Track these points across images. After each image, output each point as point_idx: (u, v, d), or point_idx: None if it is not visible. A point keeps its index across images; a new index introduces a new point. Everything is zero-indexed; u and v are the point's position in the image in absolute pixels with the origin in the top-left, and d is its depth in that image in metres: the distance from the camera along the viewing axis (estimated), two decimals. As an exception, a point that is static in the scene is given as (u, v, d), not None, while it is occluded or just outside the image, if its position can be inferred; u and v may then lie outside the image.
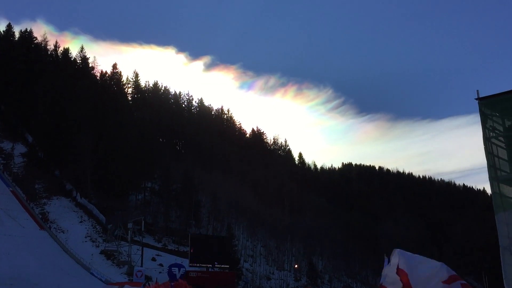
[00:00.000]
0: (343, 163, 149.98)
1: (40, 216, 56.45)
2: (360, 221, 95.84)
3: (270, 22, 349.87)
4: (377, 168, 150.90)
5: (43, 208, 58.96)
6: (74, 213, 58.80)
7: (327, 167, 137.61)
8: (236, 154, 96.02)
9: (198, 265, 48.82)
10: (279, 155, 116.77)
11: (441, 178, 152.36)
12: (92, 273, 46.00)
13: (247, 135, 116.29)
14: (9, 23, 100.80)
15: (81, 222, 57.12)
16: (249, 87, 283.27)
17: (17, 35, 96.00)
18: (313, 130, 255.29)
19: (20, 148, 72.35)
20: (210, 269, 51.10)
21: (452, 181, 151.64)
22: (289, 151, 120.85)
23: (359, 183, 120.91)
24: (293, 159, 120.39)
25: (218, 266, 50.72)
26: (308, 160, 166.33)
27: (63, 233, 54.12)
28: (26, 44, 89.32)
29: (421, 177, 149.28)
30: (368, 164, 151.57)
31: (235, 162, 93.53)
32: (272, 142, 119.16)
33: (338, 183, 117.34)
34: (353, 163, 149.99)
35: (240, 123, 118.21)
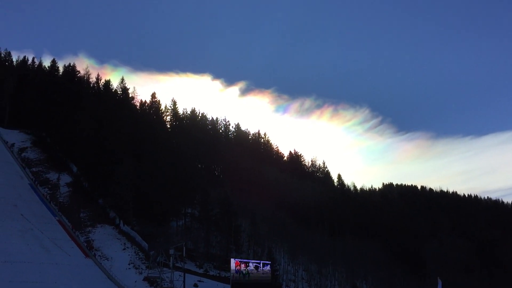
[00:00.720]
0: (383, 183, 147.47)
1: (85, 244, 57.82)
2: (403, 242, 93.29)
3: (302, 45, 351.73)
4: (419, 187, 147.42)
5: (88, 236, 60.39)
6: (117, 241, 59.88)
7: (367, 188, 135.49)
8: (274, 177, 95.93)
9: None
10: (317, 177, 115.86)
11: (487, 196, 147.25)
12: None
13: (285, 158, 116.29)
14: (54, 59, 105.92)
15: (124, 249, 58.06)
16: (285, 110, 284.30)
17: (61, 69, 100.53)
18: (351, 151, 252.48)
19: (65, 178, 74.79)
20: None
21: (500, 199, 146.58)
22: (328, 173, 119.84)
23: (401, 204, 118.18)
24: (332, 180, 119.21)
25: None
26: (347, 181, 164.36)
27: (108, 260, 55.12)
28: (69, 78, 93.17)
29: (466, 195, 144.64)
30: (409, 183, 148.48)
31: (273, 185, 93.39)
32: (310, 164, 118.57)
33: (379, 204, 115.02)
34: (394, 183, 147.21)
35: (277, 146, 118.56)
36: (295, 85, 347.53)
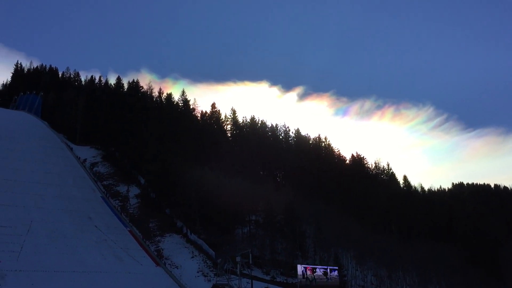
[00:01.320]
0: (453, 183, 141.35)
1: (156, 253, 59.74)
2: (477, 244, 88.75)
3: (360, 46, 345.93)
4: (492, 186, 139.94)
5: (158, 245, 62.37)
6: (185, 249, 61.39)
7: (436, 189, 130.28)
8: (337, 181, 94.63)
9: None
10: (382, 180, 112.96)
11: None
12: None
13: (347, 161, 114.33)
14: (118, 76, 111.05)
15: (192, 257, 59.41)
16: (344, 113, 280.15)
17: (125, 86, 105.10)
18: (415, 151, 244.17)
19: (134, 190, 77.82)
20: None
21: None
22: (393, 175, 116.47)
23: (474, 204, 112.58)
24: (397, 182, 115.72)
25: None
26: (414, 182, 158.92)
27: (177, 268, 56.62)
28: (134, 93, 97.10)
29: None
30: (481, 182, 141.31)
31: (337, 189, 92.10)
32: (373, 166, 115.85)
33: (449, 205, 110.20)
34: (464, 183, 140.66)
35: (338, 150, 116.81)
36: (354, 86, 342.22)
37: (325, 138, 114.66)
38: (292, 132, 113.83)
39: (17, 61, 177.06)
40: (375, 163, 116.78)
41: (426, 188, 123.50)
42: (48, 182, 72.93)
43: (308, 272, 50.82)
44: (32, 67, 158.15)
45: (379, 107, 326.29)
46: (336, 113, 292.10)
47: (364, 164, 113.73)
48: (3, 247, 49.49)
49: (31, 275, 45.61)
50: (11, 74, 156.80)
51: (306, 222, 73.46)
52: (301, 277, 49.96)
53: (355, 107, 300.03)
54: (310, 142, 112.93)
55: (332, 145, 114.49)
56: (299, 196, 79.43)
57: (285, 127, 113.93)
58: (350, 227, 76.06)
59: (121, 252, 56.99)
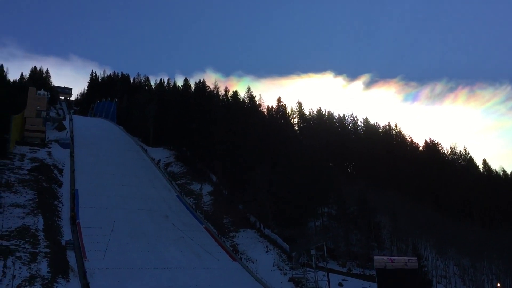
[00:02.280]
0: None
1: (231, 249, 61.05)
2: None
3: (425, 28, 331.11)
4: None
5: (233, 240, 63.68)
6: (260, 244, 62.18)
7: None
8: (411, 169, 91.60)
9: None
10: (459, 165, 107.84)
11: None
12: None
13: (420, 148, 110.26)
14: (185, 78, 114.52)
15: (267, 251, 60.04)
16: (414, 98, 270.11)
17: (192, 87, 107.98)
18: (494, 133, 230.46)
19: (207, 188, 79.92)
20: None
21: None
22: (471, 159, 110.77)
23: None
24: (476, 167, 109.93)
25: (409, 288, 48.35)
26: (495, 166, 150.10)
27: (253, 263, 57.50)
28: (201, 93, 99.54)
29: None
30: None
31: (411, 177, 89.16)
32: (449, 152, 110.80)
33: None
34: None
35: (410, 137, 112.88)
36: (423, 70, 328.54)
37: (396, 126, 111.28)
38: (361, 122, 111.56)
39: (92, 70, 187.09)
40: (450, 148, 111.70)
41: (508, 172, 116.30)
42: (127, 183, 76.70)
43: (386, 263, 49.61)
44: (105, 75, 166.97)
45: (451, 90, 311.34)
46: (406, 99, 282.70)
47: (439, 150, 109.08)
48: (91, 247, 52.75)
49: (116, 273, 48.28)
50: (87, 84, 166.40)
51: (381, 212, 71.77)
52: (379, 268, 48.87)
53: (425, 91, 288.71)
54: (380, 130, 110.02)
55: (403, 133, 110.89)
56: (372, 186, 77.75)
57: (353, 116, 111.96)
58: (427, 215, 73.36)
59: (198, 248, 58.80)
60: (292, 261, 56.10)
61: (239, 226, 67.39)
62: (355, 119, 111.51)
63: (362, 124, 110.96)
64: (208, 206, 74.31)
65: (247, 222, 68.72)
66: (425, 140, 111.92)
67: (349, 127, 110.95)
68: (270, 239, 62.92)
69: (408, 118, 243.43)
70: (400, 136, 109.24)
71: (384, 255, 58.08)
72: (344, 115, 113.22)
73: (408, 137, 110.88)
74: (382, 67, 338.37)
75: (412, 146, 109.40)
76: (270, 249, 60.46)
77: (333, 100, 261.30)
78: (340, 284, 53.59)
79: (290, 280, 53.56)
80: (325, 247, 54.92)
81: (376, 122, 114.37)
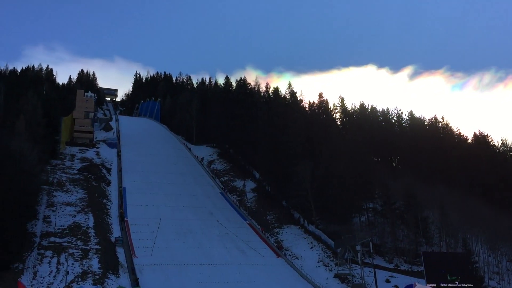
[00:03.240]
0: None
1: (276, 245, 61.08)
2: None
3: (471, 16, 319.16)
4: None
5: (277, 237, 63.71)
6: (304, 240, 61.91)
7: None
8: (459, 162, 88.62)
9: (435, 284, 45.99)
10: (511, 158, 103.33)
11: None
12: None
13: (469, 140, 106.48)
14: (227, 76, 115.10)
15: (312, 248, 59.72)
16: (461, 89, 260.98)
17: (233, 84, 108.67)
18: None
19: (250, 185, 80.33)
20: (450, 289, 47.66)
21: None
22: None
23: None
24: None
25: (460, 285, 46.98)
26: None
27: (297, 259, 57.33)
28: (242, 91, 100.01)
29: None
30: None
31: (460, 171, 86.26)
32: (500, 144, 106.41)
33: None
34: None
35: (458, 129, 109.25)
36: (470, 60, 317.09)
37: (442, 118, 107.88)
38: (405, 115, 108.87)
39: (136, 71, 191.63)
40: (501, 140, 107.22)
41: None
42: (172, 181, 78.21)
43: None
44: (149, 76, 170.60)
45: (500, 79, 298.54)
46: (452, 90, 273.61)
47: (488, 142, 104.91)
48: (139, 244, 54.16)
49: (164, 269, 49.36)
50: (132, 84, 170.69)
51: (429, 207, 69.91)
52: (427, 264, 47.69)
53: (473, 81, 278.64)
54: (426, 123, 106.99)
55: (450, 125, 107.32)
56: (419, 181, 75.81)
57: (397, 110, 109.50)
58: (478, 209, 70.80)
59: (243, 245, 59.20)
60: (337, 257, 55.58)
61: (283, 222, 67.36)
62: (400, 112, 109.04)
63: (407, 118, 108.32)
64: (251, 202, 74.69)
65: (291, 218, 68.58)
66: (474, 132, 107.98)
67: (393, 121, 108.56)
68: (314, 235, 62.55)
69: (455, 110, 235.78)
70: (447, 129, 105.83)
71: (433, 251, 56.62)
72: (388, 108, 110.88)
73: (455, 130, 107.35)
74: (427, 57, 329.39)
75: (460, 138, 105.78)
76: (314, 245, 60.11)
77: (376, 93, 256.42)
78: (387, 281, 52.62)
79: (335, 276, 53.08)
80: (371, 243, 54.09)
81: (422, 115, 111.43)
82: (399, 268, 57.66)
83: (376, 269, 50.69)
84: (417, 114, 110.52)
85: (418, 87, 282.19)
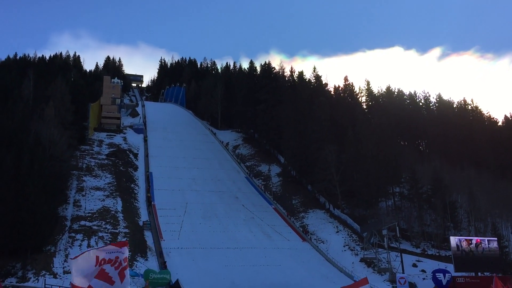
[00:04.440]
0: None
1: (301, 229, 61.26)
2: None
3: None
4: None
5: (302, 221, 63.85)
6: (329, 224, 61.88)
7: None
8: (489, 146, 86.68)
9: (465, 270, 45.45)
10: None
11: None
12: (355, 281, 47.29)
13: (499, 123, 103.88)
14: (251, 60, 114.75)
15: (337, 232, 59.67)
16: (491, 70, 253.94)
17: (258, 69, 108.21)
18: None
19: (275, 169, 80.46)
20: (479, 274, 47.06)
21: None
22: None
23: None
24: None
25: (489, 270, 46.32)
26: None
27: (323, 243, 57.41)
28: (266, 75, 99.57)
29: None
30: None
31: (489, 154, 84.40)
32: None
33: None
34: None
35: (488, 112, 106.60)
36: (501, 40, 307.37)
37: (472, 101, 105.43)
38: (433, 98, 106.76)
39: (161, 57, 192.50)
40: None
41: None
42: (198, 166, 78.93)
43: (463, 244, 47.69)
44: (174, 62, 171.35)
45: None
46: (481, 72, 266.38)
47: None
48: (166, 227, 55.08)
49: (190, 252, 50.15)
50: (157, 70, 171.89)
51: (457, 191, 68.84)
52: (455, 249, 47.12)
53: (503, 62, 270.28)
54: (455, 106, 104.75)
55: (479, 108, 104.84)
56: (446, 165, 74.61)
57: (424, 93, 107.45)
58: (508, 194, 69.35)
59: (268, 229, 59.56)
60: (363, 241, 55.43)
61: (308, 206, 67.40)
62: (427, 95, 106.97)
63: (434, 100, 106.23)
64: (276, 187, 74.86)
65: (316, 202, 68.55)
66: (505, 115, 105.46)
67: (420, 104, 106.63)
68: (340, 220, 62.42)
69: (485, 92, 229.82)
70: (476, 112, 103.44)
71: (461, 235, 55.84)
72: (415, 91, 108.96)
73: (485, 112, 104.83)
74: (455, 38, 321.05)
75: (490, 121, 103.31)
76: (340, 230, 60.03)
77: (403, 76, 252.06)
78: (414, 265, 52.27)
79: (361, 260, 52.99)
80: (397, 227, 53.76)
81: (450, 98, 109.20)
82: (426, 252, 57.16)
83: (402, 254, 50.40)
84: (445, 97, 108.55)
85: (447, 69, 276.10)
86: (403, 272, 47.64)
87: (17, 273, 41.13)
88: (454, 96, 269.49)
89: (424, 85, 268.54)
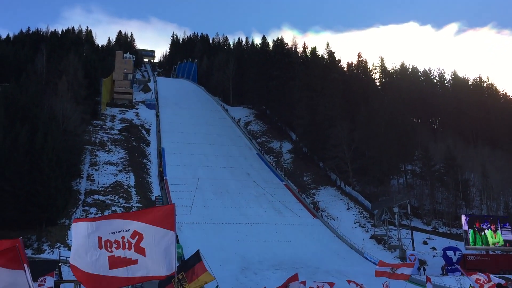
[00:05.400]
0: None
1: (312, 206, 61.50)
2: None
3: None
4: None
5: (313, 198, 64.04)
6: (341, 201, 62.02)
7: None
8: (503, 124, 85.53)
9: (475, 247, 45.48)
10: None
11: None
12: (365, 257, 47.66)
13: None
14: (263, 36, 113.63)
15: (348, 209, 59.83)
16: (508, 47, 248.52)
17: (270, 45, 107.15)
18: None
19: (286, 146, 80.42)
20: (490, 252, 47.08)
21: None
22: None
23: None
24: None
25: (501, 248, 46.28)
26: None
27: (334, 220, 57.66)
28: (279, 51, 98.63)
29: None
30: None
31: (505, 132, 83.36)
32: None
33: None
34: None
35: (504, 90, 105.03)
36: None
37: (488, 78, 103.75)
38: (448, 75, 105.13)
39: (173, 32, 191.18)
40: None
41: None
42: (210, 142, 79.10)
43: (475, 222, 47.60)
44: (185, 37, 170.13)
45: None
46: (498, 49, 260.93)
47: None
48: (178, 202, 55.39)
49: (202, 227, 50.73)
50: (169, 45, 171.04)
51: (470, 170, 68.35)
52: (466, 227, 47.08)
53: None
54: (470, 83, 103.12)
55: (495, 85, 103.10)
56: (460, 143, 73.90)
57: (439, 69, 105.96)
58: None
59: (279, 205, 59.88)
60: (374, 218, 55.56)
61: (319, 183, 67.49)
62: (442, 72, 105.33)
63: (449, 78, 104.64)
64: (288, 163, 74.93)
65: (327, 179, 68.59)
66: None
67: (435, 81, 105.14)
68: (351, 197, 62.51)
69: (501, 69, 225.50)
70: (492, 89, 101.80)
71: (473, 213, 55.69)
72: (429, 68, 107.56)
73: (502, 90, 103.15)
74: (472, 14, 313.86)
75: (506, 99, 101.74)
76: (351, 207, 60.17)
77: (417, 52, 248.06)
78: (425, 242, 52.38)
79: (372, 237, 53.24)
80: (408, 205, 53.73)
81: (465, 75, 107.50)
82: (437, 230, 57.18)
83: (413, 231, 50.48)
84: (460, 74, 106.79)
85: (463, 45, 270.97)
86: (413, 249, 47.81)
87: (32, 245, 42.05)
88: (470, 73, 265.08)
89: (439, 62, 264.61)
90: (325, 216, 58.79)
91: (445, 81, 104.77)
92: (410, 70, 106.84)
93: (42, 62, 75.77)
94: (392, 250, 50.16)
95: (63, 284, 28.23)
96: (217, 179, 64.89)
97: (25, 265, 3.66)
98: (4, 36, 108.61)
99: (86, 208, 48.48)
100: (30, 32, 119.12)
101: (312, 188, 66.85)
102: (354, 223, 56.59)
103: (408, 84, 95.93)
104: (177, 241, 45.37)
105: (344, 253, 48.85)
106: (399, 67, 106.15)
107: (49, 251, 41.23)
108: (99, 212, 47.90)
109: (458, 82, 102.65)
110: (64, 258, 38.17)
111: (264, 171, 71.93)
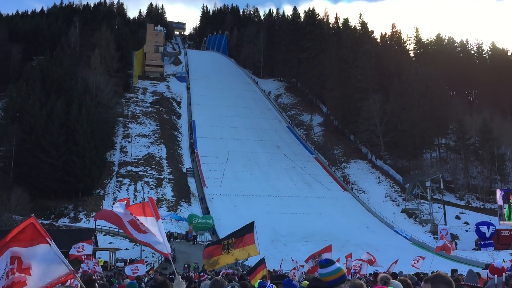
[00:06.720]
0: None
1: (342, 179, 61.25)
2: None
3: None
4: None
5: (343, 171, 63.72)
6: (371, 175, 61.51)
7: None
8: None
9: (510, 222, 44.61)
10: None
11: None
12: (396, 231, 47.43)
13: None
14: (294, 7, 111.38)
15: (379, 182, 59.34)
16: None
17: (302, 16, 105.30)
18: None
19: (317, 119, 79.81)
20: (525, 229, 46.14)
21: None
22: None
23: None
24: None
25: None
26: None
27: (364, 193, 57.37)
28: (311, 22, 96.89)
29: None
30: None
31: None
32: None
33: None
34: None
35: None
36: None
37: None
38: (486, 46, 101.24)
39: (203, 4, 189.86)
40: None
41: None
42: (240, 115, 79.19)
43: (510, 198, 46.50)
44: (216, 9, 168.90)
45: None
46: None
47: None
48: (209, 175, 56.33)
49: (232, 199, 51.34)
50: (199, 18, 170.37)
51: (506, 144, 66.43)
52: (501, 202, 46.06)
53: None
54: (510, 55, 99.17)
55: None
56: (497, 116, 71.64)
57: (477, 40, 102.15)
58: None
59: (309, 178, 59.87)
60: (405, 192, 54.98)
61: (350, 157, 66.99)
62: (480, 43, 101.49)
63: (488, 49, 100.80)
64: (318, 137, 74.50)
65: (358, 153, 67.96)
66: None
67: (472, 52, 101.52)
68: (382, 170, 61.86)
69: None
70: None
71: (508, 188, 54.35)
72: (467, 39, 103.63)
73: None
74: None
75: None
76: (382, 180, 59.65)
77: (454, 22, 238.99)
78: (457, 217, 51.64)
79: (403, 211, 52.81)
80: (441, 179, 52.83)
81: (505, 46, 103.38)
82: (470, 205, 56.18)
83: (446, 206, 49.77)
84: (499, 45, 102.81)
85: (504, 13, 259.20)
86: (445, 224, 47.22)
87: (69, 214, 43.56)
88: (510, 45, 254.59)
89: (477, 33, 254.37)
90: (356, 189, 58.52)
91: (483, 53, 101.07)
92: (446, 41, 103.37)
93: (75, 35, 76.79)
94: (423, 224, 49.70)
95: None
96: (247, 152, 65.17)
97: (48, 239, 3.65)
98: (38, 10, 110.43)
99: (120, 179, 49.72)
100: (63, 5, 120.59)
101: (342, 161, 66.45)
102: (385, 196, 56.17)
103: (444, 56, 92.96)
104: (208, 213, 46.24)
105: (374, 227, 48.69)
106: (434, 38, 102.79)
107: (85, 220, 42.66)
108: (132, 183, 49.05)
109: (497, 53, 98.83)
110: (100, 227, 39.47)
111: (294, 144, 71.78)
